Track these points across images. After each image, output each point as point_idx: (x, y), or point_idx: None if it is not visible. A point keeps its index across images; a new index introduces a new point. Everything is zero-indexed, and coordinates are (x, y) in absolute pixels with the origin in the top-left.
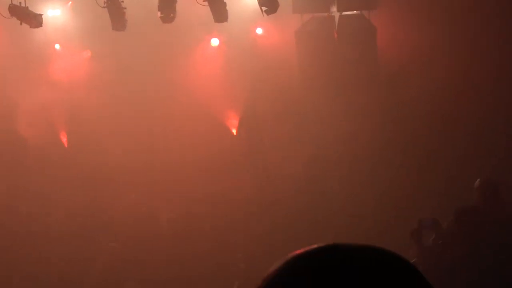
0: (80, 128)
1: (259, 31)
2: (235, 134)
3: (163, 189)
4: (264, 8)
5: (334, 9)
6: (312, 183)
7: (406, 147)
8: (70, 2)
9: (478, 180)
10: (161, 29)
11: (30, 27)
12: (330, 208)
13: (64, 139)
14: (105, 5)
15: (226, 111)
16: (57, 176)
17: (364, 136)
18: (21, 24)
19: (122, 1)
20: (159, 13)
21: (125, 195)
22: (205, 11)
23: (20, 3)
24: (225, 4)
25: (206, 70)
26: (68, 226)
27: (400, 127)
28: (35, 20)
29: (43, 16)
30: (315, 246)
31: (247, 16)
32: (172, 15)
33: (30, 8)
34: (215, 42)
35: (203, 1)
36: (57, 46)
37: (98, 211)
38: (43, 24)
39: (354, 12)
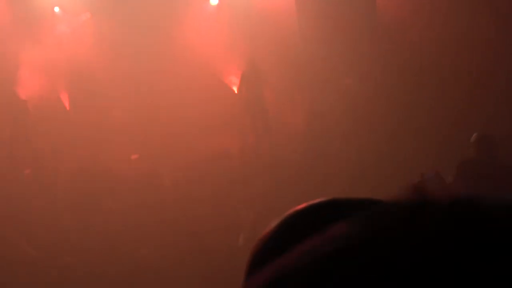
0: (81, 89)
1: None
2: (236, 92)
3: (165, 148)
4: None
5: None
6: (314, 140)
7: (407, 101)
8: None
9: (475, 134)
10: None
11: None
12: (331, 165)
13: (65, 100)
14: None
15: (227, 69)
16: (59, 137)
17: (365, 90)
18: None
19: None
20: None
21: (127, 155)
22: None
23: None
24: None
25: (206, 28)
26: (71, 188)
27: (401, 81)
28: None
29: None
30: (312, 202)
31: None
32: None
33: None
34: (214, 1)
35: None
36: (56, 9)
37: (101, 172)
38: None
39: None
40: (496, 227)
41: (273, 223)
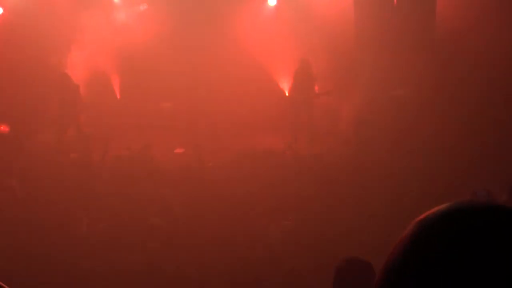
0: (132, 79)
1: None
2: (287, 94)
3: (210, 143)
4: None
5: None
6: (361, 147)
7: (461, 115)
8: None
9: None
10: None
11: None
12: (375, 172)
13: (116, 88)
14: None
15: (279, 70)
16: (107, 124)
17: (416, 102)
18: None
19: None
20: None
21: (172, 148)
22: None
23: None
24: None
25: (261, 28)
26: (115, 174)
27: (455, 95)
28: None
29: None
30: (441, 207)
31: None
32: None
33: None
34: (272, 1)
35: None
36: None
37: (145, 161)
38: None
39: None
40: None
41: (408, 228)
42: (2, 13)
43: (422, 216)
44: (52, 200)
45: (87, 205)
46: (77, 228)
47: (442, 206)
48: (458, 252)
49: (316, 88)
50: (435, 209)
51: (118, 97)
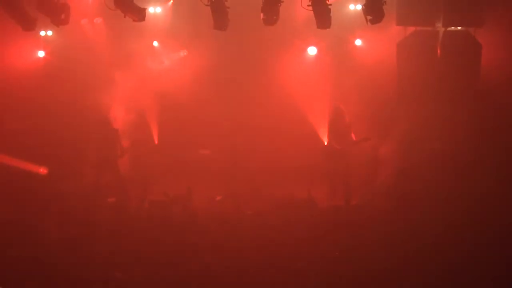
0: (171, 124)
1: (358, 42)
2: (325, 144)
3: (248, 192)
4: (369, 18)
5: (439, 24)
6: (400, 198)
7: (500, 173)
8: (172, 0)
9: None
10: (260, 32)
11: (133, 20)
12: (412, 223)
13: (155, 133)
14: (209, 3)
15: (319, 119)
16: (145, 169)
17: (460, 156)
18: (124, 17)
19: (226, 0)
20: (262, 15)
21: (211, 195)
22: (308, 16)
23: None
24: (329, 10)
25: (301, 78)
26: (154, 220)
27: (495, 151)
28: (139, 14)
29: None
30: None
31: (347, 25)
32: (275, 17)
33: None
34: (312, 51)
35: (307, 6)
36: (155, 43)
37: (184, 208)
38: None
39: (460, 28)
40: None
41: None
42: (44, 57)
43: None
44: (88, 243)
45: (123, 249)
46: (113, 272)
47: None
48: None
49: (353, 135)
50: None
51: (156, 142)
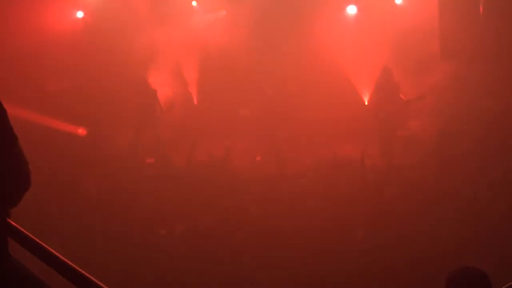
0: (210, 85)
1: (398, 0)
2: (366, 104)
3: (288, 151)
4: None
5: None
6: (443, 158)
7: None
8: None
9: None
10: None
11: None
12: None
13: (194, 94)
14: None
15: (360, 79)
16: (184, 130)
17: (504, 114)
18: None
19: None
20: None
21: (251, 155)
22: None
23: None
24: None
25: (341, 35)
26: (191, 181)
27: None
28: None
29: None
30: None
31: None
32: None
33: None
34: (352, 9)
35: None
36: (194, 3)
37: (223, 169)
38: None
39: None
40: None
41: None
42: (83, 17)
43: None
44: (127, 205)
45: (163, 210)
46: (153, 233)
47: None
48: None
49: (402, 95)
50: None
51: (196, 102)
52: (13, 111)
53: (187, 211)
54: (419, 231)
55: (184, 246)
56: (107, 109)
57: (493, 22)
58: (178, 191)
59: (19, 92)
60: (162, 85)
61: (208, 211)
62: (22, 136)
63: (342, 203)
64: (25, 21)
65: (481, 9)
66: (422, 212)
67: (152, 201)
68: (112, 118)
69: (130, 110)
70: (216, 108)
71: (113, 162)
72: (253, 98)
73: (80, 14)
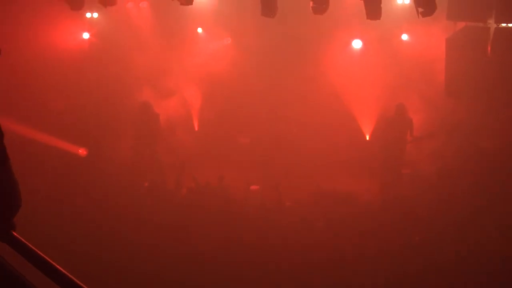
0: (211, 111)
1: (404, 37)
2: (367, 139)
3: (285, 182)
4: (420, 10)
5: (491, 20)
6: (444, 194)
7: None
8: None
9: None
10: (305, 22)
11: (181, 4)
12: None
13: (195, 119)
14: None
15: (362, 114)
16: (183, 154)
17: (503, 157)
18: None
19: None
20: (311, 3)
21: (247, 184)
22: (355, 7)
23: None
24: (380, 1)
25: (345, 71)
26: (187, 206)
27: None
28: None
29: None
30: None
31: (394, 18)
32: (324, 6)
33: None
34: (357, 44)
35: None
36: (199, 30)
37: (218, 196)
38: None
39: None
40: None
41: None
42: (89, 38)
43: None
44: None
45: (157, 236)
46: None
47: None
48: None
49: (412, 132)
50: None
51: (196, 128)
52: (15, 127)
53: (179, 236)
54: (418, 270)
55: (178, 272)
56: (109, 130)
57: (501, 61)
58: (172, 215)
59: (21, 108)
60: (164, 109)
61: (203, 239)
62: (22, 152)
63: (342, 236)
64: (33, 40)
65: (489, 48)
66: (421, 246)
67: (145, 227)
68: (113, 139)
69: (131, 131)
70: (216, 135)
71: (110, 182)
72: (254, 127)
73: (86, 35)
